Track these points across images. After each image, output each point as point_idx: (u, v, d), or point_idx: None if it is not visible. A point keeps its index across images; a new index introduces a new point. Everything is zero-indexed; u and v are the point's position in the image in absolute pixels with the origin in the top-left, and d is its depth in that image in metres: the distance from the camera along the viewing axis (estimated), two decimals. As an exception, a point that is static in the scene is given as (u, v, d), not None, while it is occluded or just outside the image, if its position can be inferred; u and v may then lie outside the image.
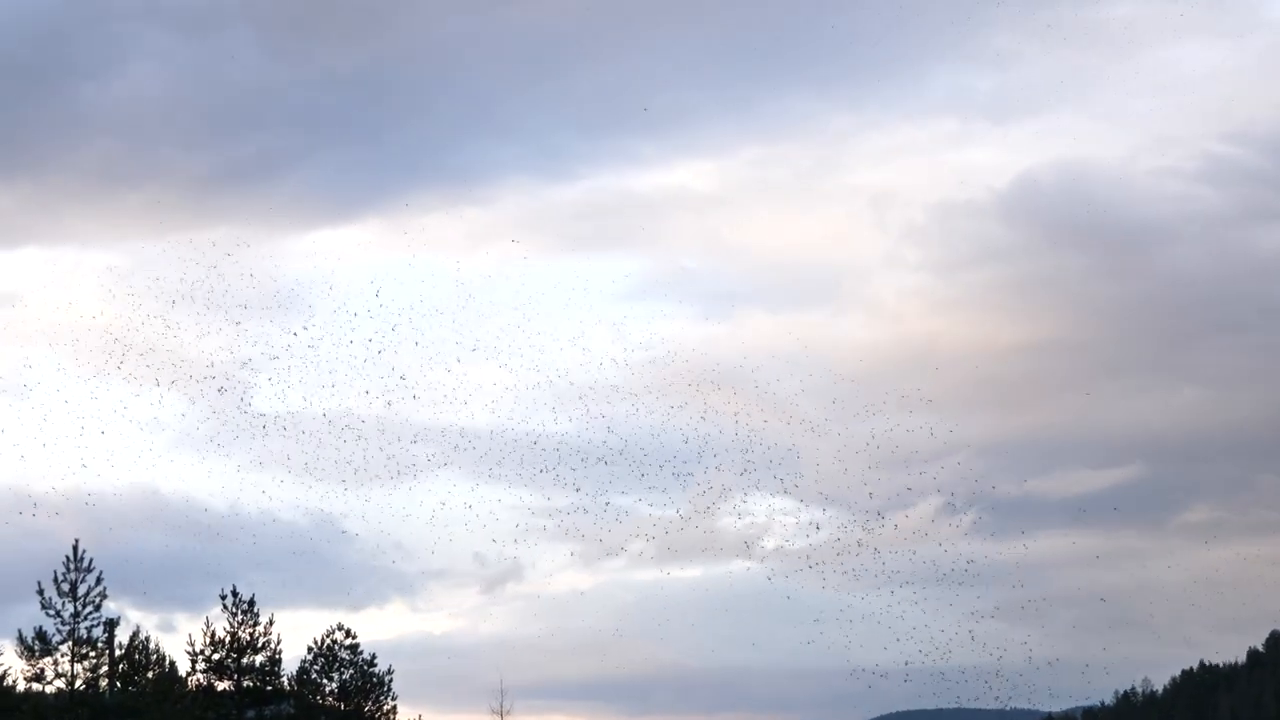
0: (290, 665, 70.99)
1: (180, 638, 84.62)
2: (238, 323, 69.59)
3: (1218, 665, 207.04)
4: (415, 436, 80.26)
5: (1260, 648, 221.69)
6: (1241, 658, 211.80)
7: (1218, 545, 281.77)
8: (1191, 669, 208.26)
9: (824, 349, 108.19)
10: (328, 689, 71.68)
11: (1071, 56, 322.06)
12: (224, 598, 68.12)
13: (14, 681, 61.91)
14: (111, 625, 63.23)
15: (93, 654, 62.14)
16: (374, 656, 72.73)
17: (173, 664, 67.22)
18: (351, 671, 72.05)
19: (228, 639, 67.90)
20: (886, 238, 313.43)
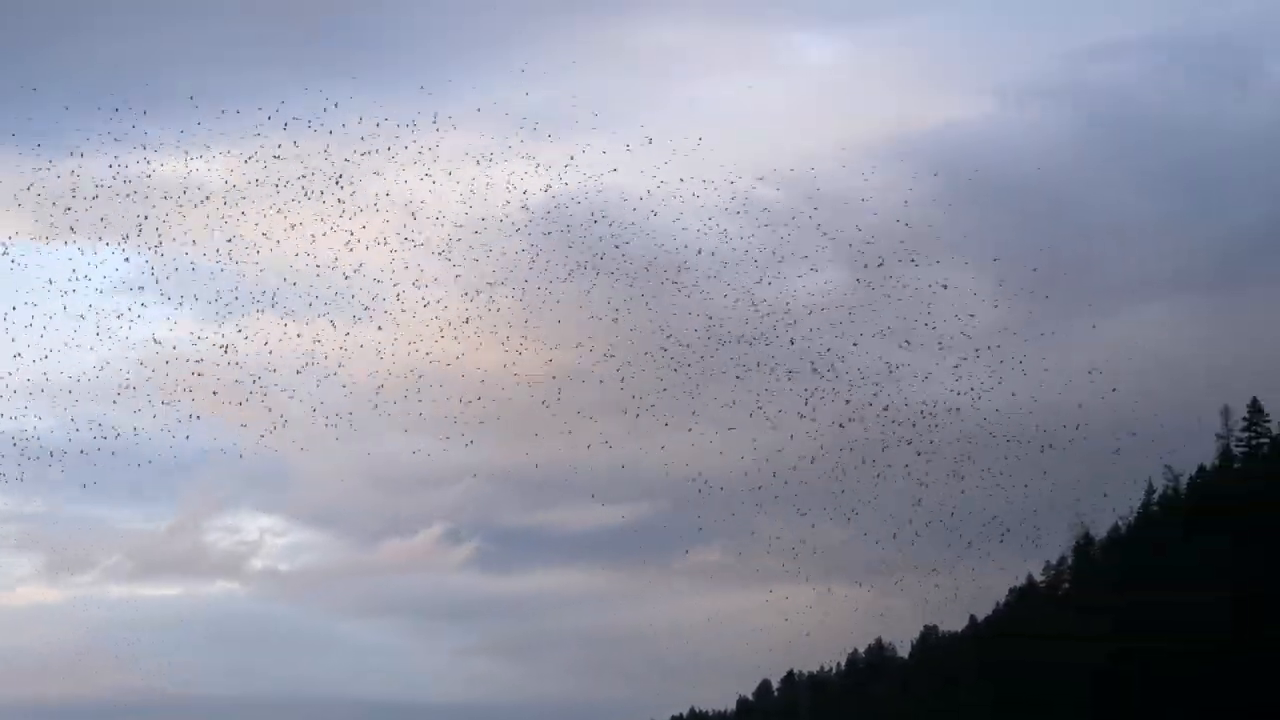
0: None
1: None
2: None
3: (708, 712, 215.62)
4: None
5: (750, 696, 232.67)
6: (731, 705, 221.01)
7: (719, 590, 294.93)
8: (682, 715, 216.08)
9: (338, 362, 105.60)
10: None
11: (611, 80, 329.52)
12: None
13: None
14: None
15: None
16: None
17: None
18: None
19: None
20: (412, 250, 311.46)
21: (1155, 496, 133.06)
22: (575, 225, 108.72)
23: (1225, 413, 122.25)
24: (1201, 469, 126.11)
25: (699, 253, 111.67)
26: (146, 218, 78.75)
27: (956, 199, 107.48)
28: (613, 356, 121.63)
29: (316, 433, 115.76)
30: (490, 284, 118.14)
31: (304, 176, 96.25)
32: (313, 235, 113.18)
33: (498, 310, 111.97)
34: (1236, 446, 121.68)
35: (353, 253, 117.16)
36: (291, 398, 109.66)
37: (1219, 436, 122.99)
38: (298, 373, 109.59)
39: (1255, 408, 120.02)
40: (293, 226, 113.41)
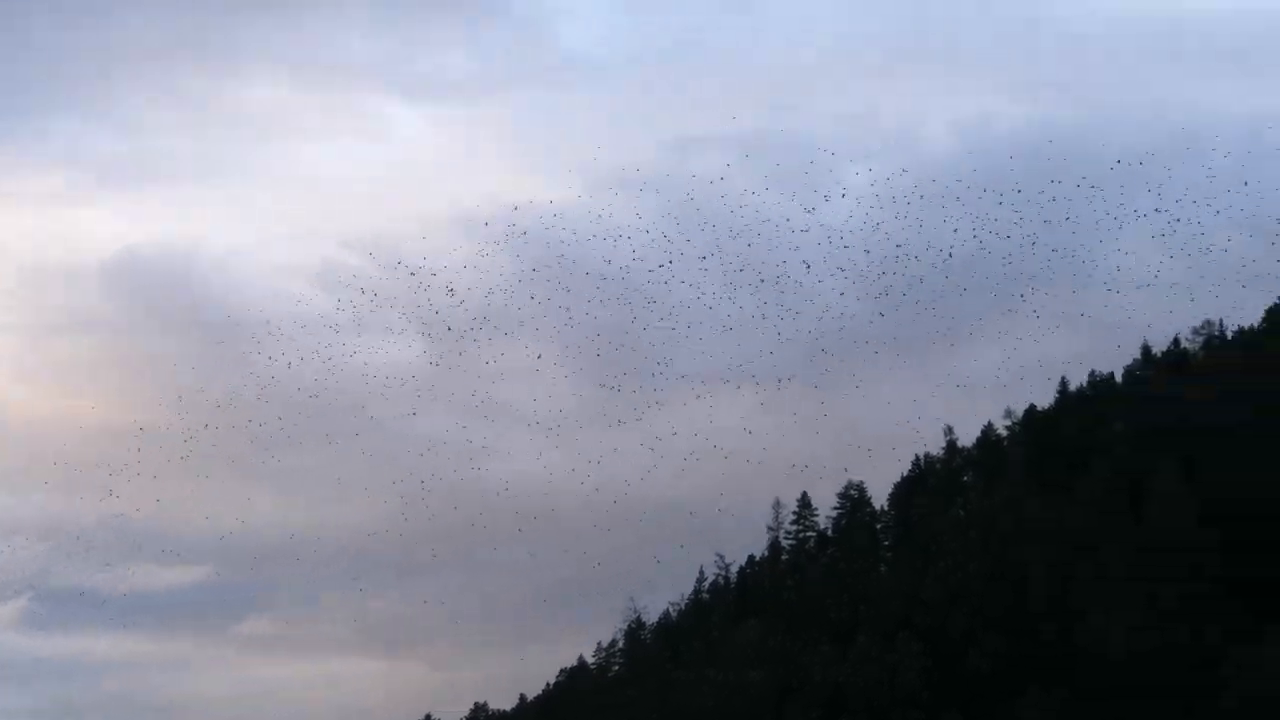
0: None
1: None
2: None
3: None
4: None
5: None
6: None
7: (274, 660, 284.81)
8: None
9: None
10: None
11: (207, 133, 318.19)
12: None
13: None
14: None
15: None
16: None
17: None
18: None
19: None
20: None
21: (706, 584, 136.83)
22: (154, 278, 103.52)
23: (776, 505, 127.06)
24: (751, 559, 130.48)
25: (279, 315, 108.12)
26: None
27: (539, 280, 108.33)
28: (182, 415, 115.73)
29: None
30: (57, 332, 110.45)
31: None
32: None
33: (64, 361, 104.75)
34: (785, 539, 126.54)
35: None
36: None
37: (769, 528, 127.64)
38: None
39: (805, 502, 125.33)
40: None
